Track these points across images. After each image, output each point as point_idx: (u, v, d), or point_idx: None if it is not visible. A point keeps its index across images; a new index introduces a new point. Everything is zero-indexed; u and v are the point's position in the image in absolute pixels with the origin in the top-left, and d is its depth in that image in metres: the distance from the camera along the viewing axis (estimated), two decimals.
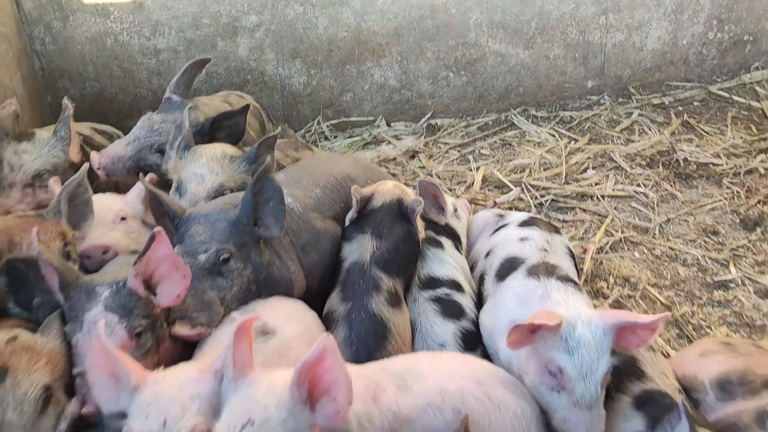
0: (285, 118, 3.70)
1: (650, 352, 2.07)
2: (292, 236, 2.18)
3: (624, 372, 1.94)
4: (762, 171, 3.43)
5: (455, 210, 2.60)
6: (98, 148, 2.65)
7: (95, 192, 2.20)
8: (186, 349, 1.89)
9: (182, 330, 1.84)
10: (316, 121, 3.78)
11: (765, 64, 4.34)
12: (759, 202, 3.21)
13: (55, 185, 2.21)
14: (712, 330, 2.54)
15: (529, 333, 1.82)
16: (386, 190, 2.37)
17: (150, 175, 2.35)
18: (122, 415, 1.50)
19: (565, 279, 2.09)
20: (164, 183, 2.43)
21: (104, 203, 2.21)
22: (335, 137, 3.77)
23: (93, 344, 1.52)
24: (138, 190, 2.31)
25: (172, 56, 3.45)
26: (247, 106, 2.64)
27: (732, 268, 2.84)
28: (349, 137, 3.79)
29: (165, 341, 1.82)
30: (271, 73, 3.58)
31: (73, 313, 1.69)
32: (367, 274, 2.16)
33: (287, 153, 2.82)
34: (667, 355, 2.39)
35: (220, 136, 2.48)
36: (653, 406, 1.82)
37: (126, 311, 1.68)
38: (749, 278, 2.78)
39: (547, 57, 3.97)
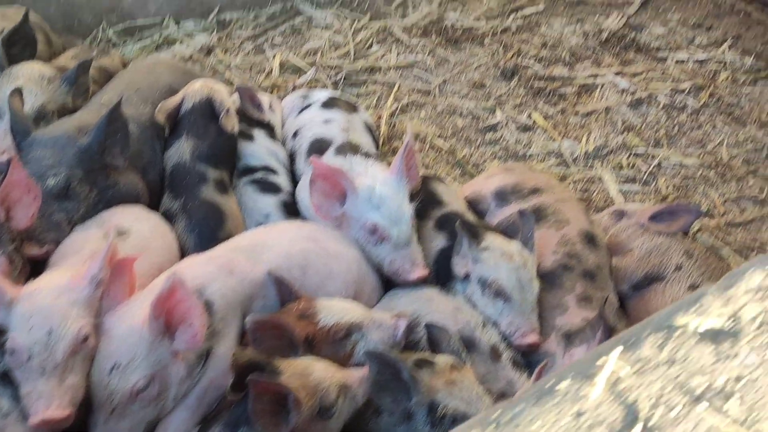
0: (66, 29, 3.56)
1: (444, 184, 2.56)
2: (133, 159, 2.27)
3: (427, 202, 2.40)
4: (514, 28, 4.03)
5: (270, 105, 2.84)
6: None
7: None
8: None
9: (33, 250, 1.95)
10: (101, 27, 3.68)
11: None
12: (514, 55, 3.81)
13: None
14: (486, 165, 3.12)
15: (334, 202, 2.18)
16: (195, 91, 2.51)
17: None
18: (1, 331, 1.61)
19: (367, 155, 2.41)
20: None
21: None
22: (124, 42, 3.72)
23: None
24: None
25: None
26: (27, 14, 2.60)
27: (497, 112, 3.43)
28: (139, 40, 3.76)
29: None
30: None
31: None
32: (191, 170, 2.34)
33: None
34: None
35: (15, 52, 2.44)
36: (451, 224, 2.30)
37: None
38: (511, 118, 3.39)
39: None
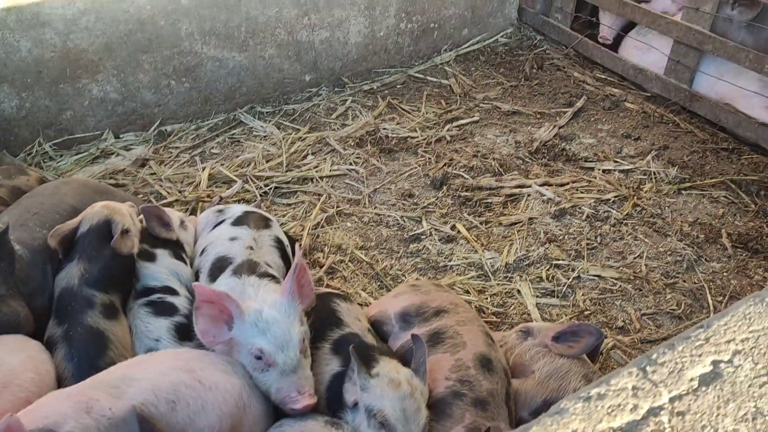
0: (2, 144, 3.64)
1: (347, 302, 2.53)
2: (20, 284, 2.25)
3: (326, 323, 2.37)
4: (448, 138, 4.13)
5: (182, 222, 2.84)
6: None
7: None
8: None
9: None
10: (37, 142, 3.76)
11: (451, 46, 5.12)
12: (445, 164, 3.88)
13: None
14: (405, 277, 3.10)
15: (222, 326, 2.14)
16: (93, 213, 2.49)
17: None
18: None
19: (263, 275, 2.39)
20: None
21: None
22: (61, 156, 3.79)
23: None
24: None
25: None
26: None
27: (423, 222, 3.45)
28: (76, 154, 3.83)
29: None
30: None
31: None
32: (78, 295, 2.29)
33: (1, 183, 2.85)
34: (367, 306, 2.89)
35: None
36: (347, 347, 2.25)
37: None
38: (435, 229, 3.40)
39: (263, 57, 4.33)
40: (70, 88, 3.76)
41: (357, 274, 3.11)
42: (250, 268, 2.46)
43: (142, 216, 2.69)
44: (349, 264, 3.16)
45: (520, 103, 4.49)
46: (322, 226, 3.39)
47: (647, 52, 4.42)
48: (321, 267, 3.12)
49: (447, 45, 5.08)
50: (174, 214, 2.81)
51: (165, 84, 4.06)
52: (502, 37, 5.26)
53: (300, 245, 2.53)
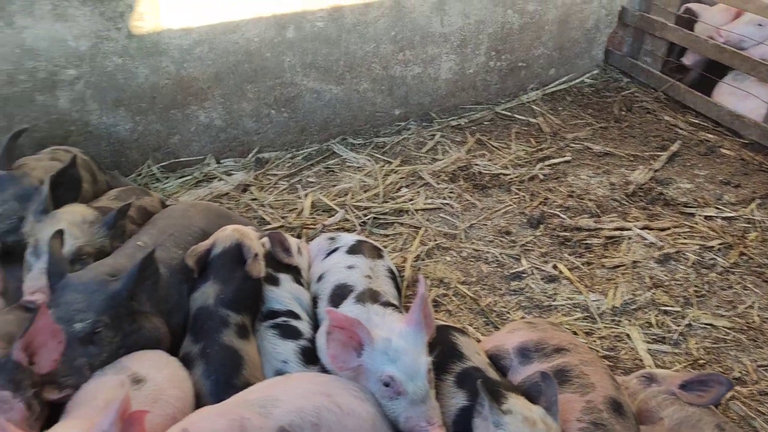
0: (114, 164, 3.77)
1: (465, 336, 2.53)
2: (160, 303, 2.34)
3: (447, 356, 2.37)
4: (541, 177, 4.13)
5: (299, 249, 2.90)
6: None
7: None
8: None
9: (51, 395, 1.97)
10: (146, 164, 3.89)
11: (538, 85, 5.15)
12: (540, 203, 3.87)
13: None
14: (510, 315, 3.08)
15: (351, 352, 2.18)
16: (225, 236, 2.59)
17: None
18: None
19: (386, 304, 2.44)
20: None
21: None
22: (167, 178, 3.91)
23: None
24: None
25: None
26: (74, 157, 2.77)
27: (523, 260, 3.43)
28: (180, 177, 3.95)
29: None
30: (95, 122, 3.65)
31: None
32: (214, 314, 2.36)
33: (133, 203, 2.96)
34: (478, 341, 2.88)
35: (59, 194, 2.57)
36: (472, 381, 2.24)
37: (17, 385, 1.80)
38: (536, 268, 3.38)
39: (357, 91, 4.42)
40: (179, 114, 3.89)
41: (461, 309, 3.11)
42: (372, 296, 2.49)
43: (263, 240, 2.75)
44: (453, 298, 3.17)
45: (612, 145, 4.47)
46: (423, 259, 3.41)
47: (745, 99, 4.38)
48: None
49: (533, 84, 5.12)
50: (292, 241, 2.87)
51: (265, 113, 4.17)
52: (588, 78, 5.28)
53: (425, 277, 2.55)
